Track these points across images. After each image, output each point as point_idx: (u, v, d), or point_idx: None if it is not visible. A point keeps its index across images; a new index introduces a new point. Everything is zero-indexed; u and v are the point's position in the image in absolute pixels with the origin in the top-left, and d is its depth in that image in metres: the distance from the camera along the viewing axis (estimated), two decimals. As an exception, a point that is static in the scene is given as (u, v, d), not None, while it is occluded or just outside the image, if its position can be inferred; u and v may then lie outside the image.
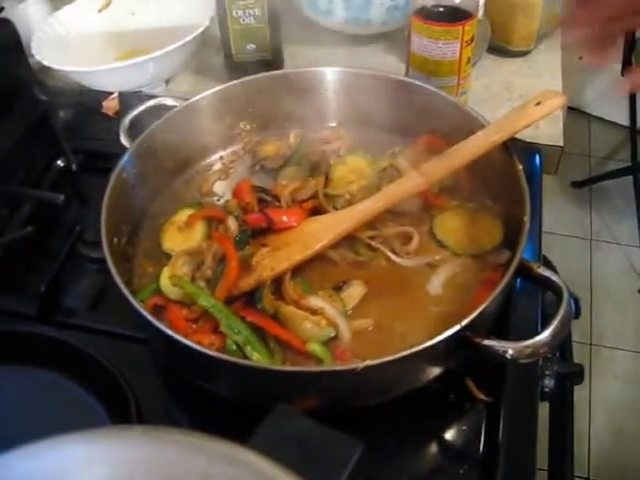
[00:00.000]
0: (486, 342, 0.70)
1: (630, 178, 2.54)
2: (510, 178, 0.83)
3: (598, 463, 2.03)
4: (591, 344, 2.29)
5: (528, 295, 0.88)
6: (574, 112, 3.01)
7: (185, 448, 0.40)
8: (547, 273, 0.75)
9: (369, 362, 0.65)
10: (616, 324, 2.36)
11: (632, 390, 2.16)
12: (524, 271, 0.75)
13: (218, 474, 0.39)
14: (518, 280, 0.88)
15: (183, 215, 0.92)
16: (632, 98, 2.43)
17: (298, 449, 0.49)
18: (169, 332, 0.69)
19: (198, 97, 0.97)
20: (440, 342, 0.67)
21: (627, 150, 2.57)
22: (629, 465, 2.00)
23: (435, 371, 0.75)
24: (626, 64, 2.34)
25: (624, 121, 2.75)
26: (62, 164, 1.09)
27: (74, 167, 1.07)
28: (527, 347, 0.69)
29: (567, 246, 2.59)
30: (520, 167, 0.82)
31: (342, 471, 0.49)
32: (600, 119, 3.07)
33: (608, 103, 2.97)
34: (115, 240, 0.83)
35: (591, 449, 2.05)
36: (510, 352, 0.69)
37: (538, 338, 0.68)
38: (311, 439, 0.50)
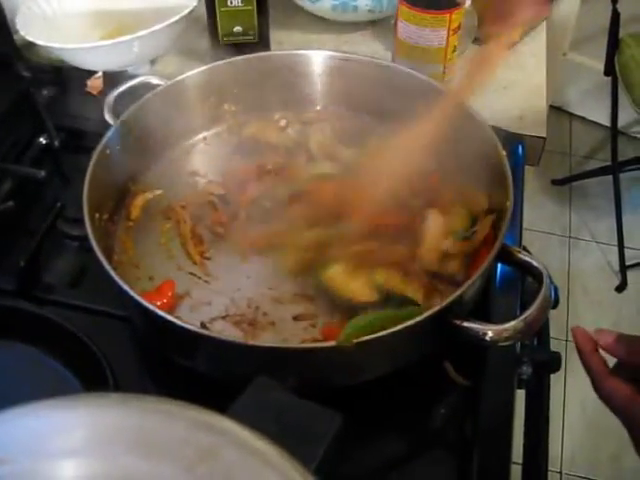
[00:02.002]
0: (466, 324, 0.71)
1: (610, 177, 2.55)
2: (493, 164, 0.83)
3: (571, 457, 2.05)
4: (567, 340, 2.31)
5: (508, 281, 0.89)
6: (556, 111, 3.03)
7: (163, 415, 0.40)
8: (528, 258, 0.75)
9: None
10: (592, 321, 2.38)
11: (606, 386, 2.18)
12: (505, 255, 0.76)
13: (197, 441, 0.38)
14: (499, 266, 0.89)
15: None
16: (614, 99, 2.45)
17: (277, 421, 0.49)
18: (151, 308, 0.69)
19: (183, 76, 0.97)
20: (420, 322, 0.67)
21: (607, 150, 2.59)
22: (602, 458, 2.03)
23: (415, 352, 0.75)
24: (609, 64, 2.36)
25: (605, 121, 2.77)
26: (44, 141, 1.08)
27: (57, 144, 1.07)
28: (506, 330, 0.69)
29: (546, 243, 2.61)
30: (504, 153, 0.83)
31: (321, 443, 0.49)
32: (582, 118, 3.09)
33: (590, 103, 2.99)
34: (97, 216, 0.83)
35: (565, 444, 2.07)
36: (490, 334, 0.70)
37: (517, 321, 0.69)
38: (290, 411, 0.51)
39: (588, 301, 2.44)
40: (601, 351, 0.69)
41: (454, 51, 1.09)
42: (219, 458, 0.38)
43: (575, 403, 2.14)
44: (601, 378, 0.68)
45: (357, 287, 0.80)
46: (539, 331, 0.98)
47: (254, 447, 0.39)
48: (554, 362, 0.92)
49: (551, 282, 0.73)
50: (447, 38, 1.05)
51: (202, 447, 0.38)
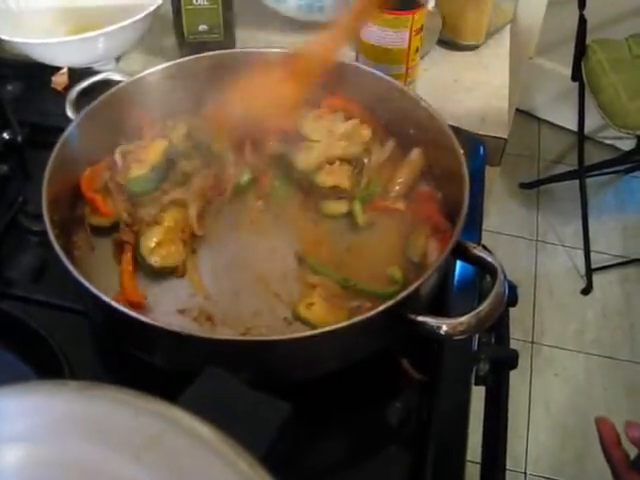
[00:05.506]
0: (420, 318, 0.71)
1: (577, 182, 2.58)
2: (451, 162, 0.84)
3: (536, 458, 2.07)
4: (533, 342, 2.33)
5: (466, 280, 0.90)
6: (525, 115, 3.06)
7: (113, 402, 0.41)
8: (482, 253, 0.76)
9: (296, 334, 0.67)
10: (558, 323, 2.41)
11: (571, 388, 2.21)
12: (461, 251, 0.77)
13: (145, 428, 0.39)
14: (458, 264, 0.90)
15: None
16: (581, 104, 2.47)
17: (225, 409, 0.49)
18: (107, 300, 0.69)
19: (146, 72, 0.96)
20: (375, 315, 0.68)
21: (575, 154, 2.62)
22: (566, 459, 2.05)
23: (371, 346, 0.76)
24: (576, 69, 2.38)
25: (573, 126, 2.79)
26: (8, 136, 1.07)
27: (20, 139, 1.06)
28: (461, 324, 0.70)
29: (513, 246, 2.63)
30: (461, 151, 0.84)
31: (269, 432, 0.49)
32: (550, 123, 3.12)
33: (558, 108, 3.02)
34: (57, 211, 0.83)
35: (529, 444, 2.09)
36: (444, 328, 0.71)
37: (471, 315, 0.70)
38: (239, 401, 0.51)
39: (554, 304, 2.47)
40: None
41: (417, 52, 1.10)
42: (165, 445, 0.38)
43: (540, 404, 2.16)
44: (621, 472, 0.71)
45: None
46: (497, 329, 0.99)
47: (200, 434, 0.39)
48: (512, 359, 0.93)
49: (506, 279, 0.74)
50: (409, 39, 1.06)
51: (149, 434, 0.39)
